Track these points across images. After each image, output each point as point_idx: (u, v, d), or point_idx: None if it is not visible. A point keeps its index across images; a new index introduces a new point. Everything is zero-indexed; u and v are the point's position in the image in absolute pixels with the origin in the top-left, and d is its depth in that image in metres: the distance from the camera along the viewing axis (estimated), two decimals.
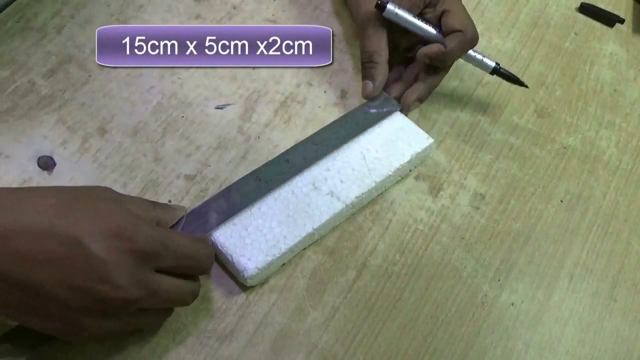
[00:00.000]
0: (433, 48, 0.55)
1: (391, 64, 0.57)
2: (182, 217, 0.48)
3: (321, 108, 0.58)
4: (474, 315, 0.50)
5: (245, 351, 0.46)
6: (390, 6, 0.55)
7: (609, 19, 0.68)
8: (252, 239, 0.48)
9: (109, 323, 0.39)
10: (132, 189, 0.52)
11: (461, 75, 0.62)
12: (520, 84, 0.58)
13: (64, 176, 0.52)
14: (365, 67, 0.57)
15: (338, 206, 0.51)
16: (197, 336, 0.47)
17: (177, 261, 0.42)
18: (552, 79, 0.63)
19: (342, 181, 0.52)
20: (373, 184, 0.52)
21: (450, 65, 0.58)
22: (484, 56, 0.57)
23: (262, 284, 0.49)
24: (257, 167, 0.52)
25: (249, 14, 0.64)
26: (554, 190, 0.57)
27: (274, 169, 0.52)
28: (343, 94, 0.59)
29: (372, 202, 0.54)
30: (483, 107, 0.61)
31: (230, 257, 0.47)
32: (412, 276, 0.51)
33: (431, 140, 0.55)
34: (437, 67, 0.57)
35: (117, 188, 0.52)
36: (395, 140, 0.55)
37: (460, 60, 0.63)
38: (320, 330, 0.48)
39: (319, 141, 0.54)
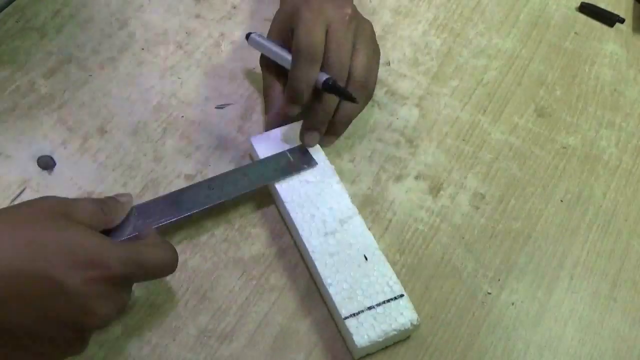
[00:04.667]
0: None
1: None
2: (132, 210, 0.47)
3: None
4: (474, 315, 0.50)
5: (245, 351, 0.46)
6: (253, 35, 0.56)
7: (609, 19, 0.68)
8: None
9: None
10: (132, 189, 0.52)
11: (461, 75, 0.62)
12: (352, 99, 0.51)
13: (64, 176, 0.52)
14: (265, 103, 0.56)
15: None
16: (197, 336, 0.47)
17: (148, 275, 0.43)
18: (552, 78, 0.63)
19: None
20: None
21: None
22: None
23: (262, 283, 0.49)
24: None
25: (249, 13, 0.64)
26: (554, 190, 0.57)
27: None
28: None
29: (372, 202, 0.54)
30: (483, 107, 0.61)
31: None
32: (412, 276, 0.51)
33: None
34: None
35: (117, 188, 0.52)
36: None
37: (461, 60, 0.63)
38: (321, 330, 0.48)
39: (214, 186, 0.50)
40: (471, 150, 0.58)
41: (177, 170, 0.54)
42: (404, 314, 0.46)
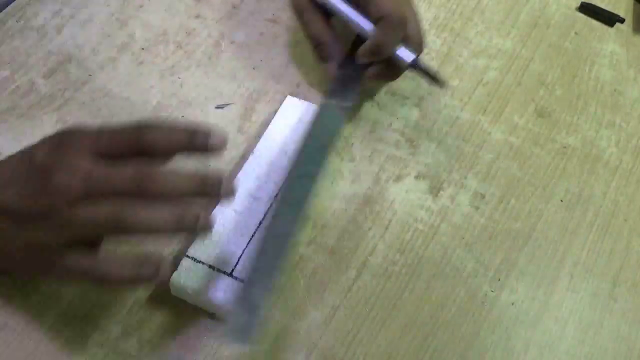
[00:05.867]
0: (366, 45, 0.53)
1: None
2: None
3: None
4: (474, 315, 0.50)
5: (245, 351, 0.46)
6: None
7: (609, 19, 0.68)
8: (214, 270, 0.47)
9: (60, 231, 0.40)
10: None
11: (461, 75, 0.62)
12: (438, 82, 0.54)
13: None
14: (317, 51, 0.57)
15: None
16: (197, 336, 0.47)
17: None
18: (552, 78, 0.63)
19: (266, 182, 0.51)
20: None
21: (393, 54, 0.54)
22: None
23: None
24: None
25: (249, 13, 0.64)
26: (554, 190, 0.57)
27: None
28: None
29: (372, 201, 0.54)
30: (483, 107, 0.61)
31: (202, 297, 0.46)
32: (412, 276, 0.51)
33: (314, 105, 0.55)
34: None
35: None
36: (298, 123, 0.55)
37: (461, 60, 0.63)
38: (320, 330, 0.48)
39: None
40: (471, 150, 0.58)
41: None
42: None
